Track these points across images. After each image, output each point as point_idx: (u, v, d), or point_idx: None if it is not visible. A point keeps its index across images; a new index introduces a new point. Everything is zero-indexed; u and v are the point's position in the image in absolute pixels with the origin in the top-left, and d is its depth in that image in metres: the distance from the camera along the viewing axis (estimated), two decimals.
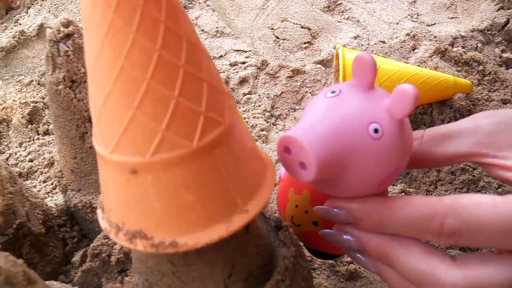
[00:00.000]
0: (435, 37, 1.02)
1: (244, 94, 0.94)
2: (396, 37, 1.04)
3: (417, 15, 1.11)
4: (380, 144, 0.35)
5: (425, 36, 1.02)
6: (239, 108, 0.91)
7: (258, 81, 0.96)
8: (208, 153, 0.29)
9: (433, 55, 0.91)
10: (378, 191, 0.38)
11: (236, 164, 0.31)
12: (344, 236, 0.40)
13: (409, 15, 1.12)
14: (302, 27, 1.11)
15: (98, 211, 0.34)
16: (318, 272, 0.59)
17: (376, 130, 0.35)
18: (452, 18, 1.11)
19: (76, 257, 0.52)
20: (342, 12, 1.16)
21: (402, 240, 0.37)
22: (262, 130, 0.84)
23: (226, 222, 0.31)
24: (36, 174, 0.83)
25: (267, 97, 0.92)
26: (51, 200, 0.74)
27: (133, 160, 0.28)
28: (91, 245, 0.46)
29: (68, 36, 0.47)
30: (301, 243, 0.48)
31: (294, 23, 1.12)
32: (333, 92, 0.37)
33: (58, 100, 0.48)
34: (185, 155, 0.29)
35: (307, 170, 0.34)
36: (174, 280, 0.37)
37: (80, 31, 0.48)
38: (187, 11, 1.19)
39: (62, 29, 0.47)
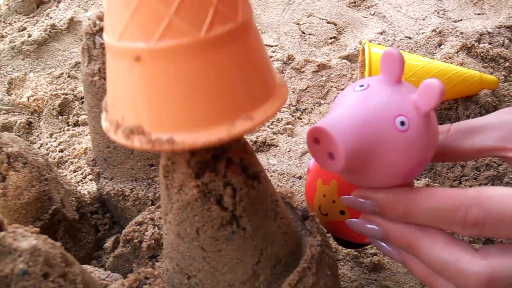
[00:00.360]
0: (462, 33, 1.01)
1: None
2: (422, 33, 1.04)
3: (444, 11, 1.11)
4: (406, 136, 0.36)
5: (451, 32, 1.02)
6: None
7: (284, 75, 0.97)
8: (216, 48, 0.28)
9: (459, 51, 0.91)
10: (404, 182, 0.39)
11: (246, 67, 0.30)
12: (370, 226, 0.41)
13: (435, 11, 1.11)
14: (328, 22, 1.11)
15: (102, 113, 0.33)
16: (342, 263, 0.60)
17: (402, 123, 0.36)
18: (479, 14, 1.11)
19: (108, 243, 0.54)
20: (368, 7, 1.16)
21: (427, 230, 0.38)
22: (288, 124, 0.85)
23: (228, 125, 0.29)
24: (66, 164, 0.85)
25: (293, 91, 0.93)
26: (81, 189, 0.76)
27: (138, 46, 0.28)
28: (123, 231, 0.48)
29: (103, 29, 0.49)
30: (328, 232, 0.50)
31: (320, 18, 1.13)
32: (362, 86, 0.38)
33: (93, 91, 0.50)
34: (191, 45, 0.28)
35: (335, 160, 0.35)
36: (204, 265, 0.38)
37: None
38: None
39: (98, 22, 0.49)
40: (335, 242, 0.51)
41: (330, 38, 1.08)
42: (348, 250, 0.61)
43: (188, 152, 0.34)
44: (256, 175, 0.37)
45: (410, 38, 1.03)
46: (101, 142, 0.53)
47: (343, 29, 1.10)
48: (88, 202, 0.58)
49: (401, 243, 0.39)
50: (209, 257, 0.37)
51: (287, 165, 0.77)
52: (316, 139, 0.36)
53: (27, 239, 0.36)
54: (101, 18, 0.49)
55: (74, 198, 0.55)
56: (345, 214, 0.45)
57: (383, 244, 0.42)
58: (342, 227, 0.45)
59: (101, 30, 0.48)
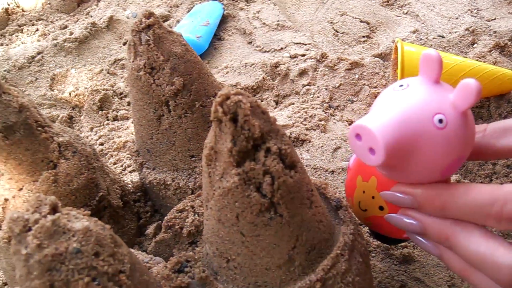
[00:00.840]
0: (495, 32, 1.02)
1: (304, 85, 0.97)
2: (455, 32, 1.04)
3: (477, 10, 1.11)
4: (444, 134, 0.37)
5: (484, 31, 1.02)
6: (298, 98, 0.94)
7: (317, 73, 0.99)
8: None
9: (492, 50, 0.92)
10: (442, 179, 0.41)
11: None
12: (408, 220, 0.43)
13: (469, 10, 1.11)
14: (361, 21, 1.12)
15: None
16: (373, 255, 0.61)
17: (440, 121, 0.37)
18: None
19: (150, 229, 0.57)
20: (401, 6, 1.17)
21: (464, 224, 0.39)
22: (321, 120, 0.87)
23: None
24: (106, 156, 0.88)
25: (326, 89, 0.95)
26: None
27: None
28: (166, 217, 0.51)
29: (149, 26, 0.51)
30: (367, 227, 0.51)
31: (353, 17, 1.14)
32: (401, 85, 0.40)
33: (138, 85, 0.53)
34: None
35: (375, 155, 0.37)
36: (243, 249, 0.40)
37: (160, 22, 0.52)
38: (249, 5, 1.23)
39: (144, 20, 0.51)
40: (372, 236, 0.53)
41: (363, 36, 1.09)
42: (379, 241, 0.62)
43: (231, 141, 0.36)
44: (293, 165, 0.39)
45: (443, 37, 1.03)
46: (145, 134, 0.56)
47: (376, 28, 1.11)
48: (131, 191, 0.60)
49: (438, 237, 0.41)
50: (248, 241, 0.40)
51: (319, 160, 0.79)
52: (358, 135, 0.38)
53: (79, 220, 0.39)
54: (147, 16, 0.51)
55: (118, 187, 0.58)
56: (384, 209, 0.46)
57: (421, 238, 0.43)
58: (381, 223, 0.47)
59: (147, 27, 0.51)
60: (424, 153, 0.38)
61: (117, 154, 0.90)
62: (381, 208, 0.46)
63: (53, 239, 0.37)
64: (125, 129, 0.96)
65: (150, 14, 0.51)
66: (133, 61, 0.53)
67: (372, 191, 0.46)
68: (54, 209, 0.38)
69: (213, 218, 0.41)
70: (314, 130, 0.86)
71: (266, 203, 0.37)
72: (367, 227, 0.52)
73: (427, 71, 0.40)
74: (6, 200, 0.50)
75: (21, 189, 0.49)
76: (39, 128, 0.49)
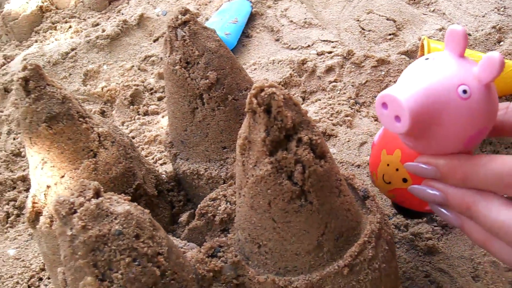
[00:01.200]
0: None
1: (330, 82, 0.98)
2: (482, 30, 1.04)
3: (504, 8, 1.11)
4: (468, 104, 0.39)
5: (511, 29, 1.03)
6: (325, 95, 0.96)
7: (343, 70, 1.00)
8: None
9: None
10: (465, 150, 0.42)
11: None
12: (431, 191, 0.44)
13: (495, 8, 1.11)
14: (387, 19, 1.13)
15: None
16: (398, 246, 0.63)
17: (464, 91, 0.39)
18: None
19: (183, 217, 0.59)
20: (428, 4, 1.17)
21: (485, 194, 0.40)
22: (347, 116, 0.89)
23: None
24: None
25: (352, 85, 0.96)
26: None
27: None
28: (199, 205, 0.53)
29: (185, 23, 0.54)
30: (391, 201, 0.53)
31: (379, 15, 1.15)
32: (427, 59, 0.42)
33: (174, 79, 0.55)
34: None
35: (401, 122, 0.39)
36: (274, 235, 0.42)
37: (195, 19, 0.54)
38: (277, 3, 1.25)
39: (180, 16, 0.54)
40: (395, 210, 0.54)
41: (389, 34, 1.10)
42: (404, 233, 0.64)
43: (264, 131, 0.38)
44: (323, 155, 0.40)
45: (469, 34, 1.03)
46: (179, 125, 0.58)
47: (403, 25, 1.12)
48: (165, 180, 0.63)
49: (460, 207, 0.42)
50: (279, 227, 0.41)
51: (346, 154, 0.81)
52: (384, 104, 0.40)
53: (121, 204, 0.41)
54: (183, 13, 0.54)
55: (153, 176, 0.61)
56: (408, 181, 0.48)
57: (443, 209, 0.45)
58: (404, 195, 0.49)
59: (183, 23, 0.53)
60: (447, 122, 0.39)
61: (148, 147, 0.92)
62: (404, 180, 0.48)
63: (96, 221, 0.39)
64: (155, 124, 0.98)
65: (186, 11, 0.54)
66: (169, 56, 0.55)
67: (396, 163, 0.48)
68: (97, 194, 0.41)
69: (246, 205, 0.43)
70: (340, 125, 0.87)
71: (297, 190, 0.39)
72: (391, 202, 0.54)
73: (453, 46, 0.41)
74: (48, 187, 0.53)
75: (63, 176, 0.52)
76: (80, 119, 0.52)
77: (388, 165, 0.49)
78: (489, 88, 0.40)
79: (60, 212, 0.40)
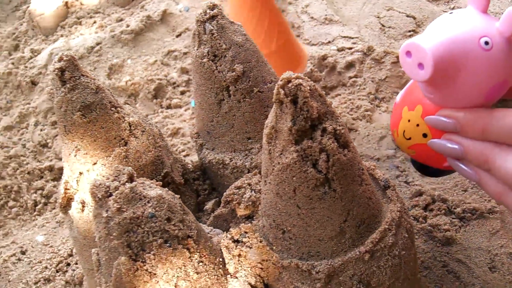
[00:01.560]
0: None
1: (350, 77, 0.99)
2: None
3: None
4: (489, 55, 0.41)
5: None
6: (345, 90, 0.97)
7: (363, 66, 1.01)
8: None
9: None
10: (486, 104, 0.44)
11: None
12: (450, 145, 0.45)
13: None
14: (407, 16, 1.14)
15: None
16: (416, 237, 0.64)
17: (486, 43, 0.41)
18: None
19: (208, 205, 0.61)
20: (448, 1, 1.18)
21: (502, 146, 0.41)
22: (367, 111, 0.90)
23: None
24: None
25: (372, 81, 0.97)
26: None
27: None
28: (224, 193, 0.55)
29: (213, 17, 0.56)
30: (410, 158, 0.55)
31: (399, 12, 1.15)
32: (451, 13, 0.44)
33: (202, 71, 0.57)
34: None
35: (424, 69, 0.41)
36: (298, 221, 0.44)
37: (222, 13, 0.56)
38: (297, 0, 1.26)
39: (208, 11, 0.56)
40: (414, 167, 0.56)
41: (409, 31, 1.11)
42: (422, 224, 0.65)
43: (291, 121, 0.40)
44: (347, 144, 0.42)
45: None
46: (206, 117, 0.60)
47: (422, 22, 1.12)
48: (191, 170, 0.65)
49: (478, 160, 0.43)
50: (303, 213, 0.43)
51: (365, 148, 0.82)
52: (409, 52, 0.42)
53: (153, 189, 0.43)
54: (210, 8, 0.56)
55: (180, 165, 0.63)
56: (428, 136, 0.49)
57: (461, 164, 0.46)
58: (423, 150, 0.50)
59: (211, 18, 0.55)
60: (469, 72, 0.41)
61: (171, 139, 0.95)
62: (424, 135, 0.49)
63: (131, 204, 0.42)
64: (178, 117, 1.00)
65: (214, 6, 0.56)
66: (197, 49, 0.57)
67: (417, 119, 0.49)
68: (131, 178, 0.43)
69: (271, 192, 0.45)
70: (360, 120, 0.89)
71: (321, 178, 0.41)
72: (410, 160, 0.56)
73: (476, 2, 0.43)
74: (80, 173, 0.55)
75: (95, 163, 0.54)
76: (112, 108, 0.54)
77: (409, 121, 0.50)
78: (511, 42, 0.42)
79: (97, 195, 0.42)
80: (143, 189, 0.43)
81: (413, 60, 0.41)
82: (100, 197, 0.42)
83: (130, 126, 0.55)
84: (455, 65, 0.41)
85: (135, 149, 0.55)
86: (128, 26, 1.25)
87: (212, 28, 0.55)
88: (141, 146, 0.56)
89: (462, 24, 0.42)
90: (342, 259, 0.44)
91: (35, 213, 0.90)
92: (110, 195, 0.42)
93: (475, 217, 0.66)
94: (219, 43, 0.56)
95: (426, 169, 0.54)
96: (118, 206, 0.41)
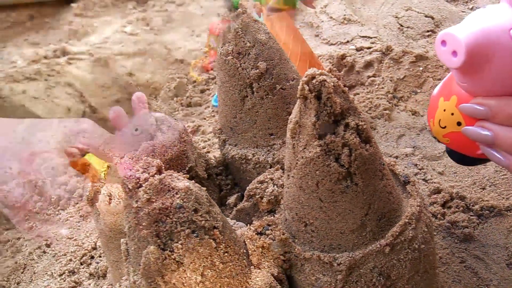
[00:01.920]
0: None
1: (369, 77, 1.00)
2: None
3: None
4: None
5: None
6: (364, 89, 0.98)
7: (382, 65, 1.02)
8: None
9: None
10: None
11: None
12: (482, 131, 0.47)
13: None
14: (426, 16, 1.14)
15: None
16: (435, 233, 0.65)
17: None
18: None
19: (231, 199, 0.62)
20: (466, 2, 1.18)
21: None
22: (385, 110, 0.91)
23: None
24: None
25: (390, 80, 0.98)
26: None
27: None
28: (247, 187, 0.56)
29: (237, 16, 0.57)
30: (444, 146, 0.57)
31: (418, 12, 1.16)
32: (485, 7, 0.46)
33: (226, 69, 0.59)
34: None
35: (457, 56, 0.43)
36: (320, 214, 0.45)
37: (247, 12, 0.58)
38: (316, 0, 1.27)
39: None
40: (449, 156, 0.58)
41: (427, 31, 1.11)
42: (441, 221, 0.66)
43: (314, 116, 0.41)
44: (369, 140, 0.43)
45: None
46: (229, 113, 0.62)
47: (441, 22, 1.13)
48: (214, 165, 0.66)
49: (508, 145, 0.45)
50: (325, 207, 0.44)
51: (384, 146, 0.83)
52: (444, 41, 0.45)
53: (181, 181, 0.45)
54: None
55: (203, 160, 0.65)
56: (462, 124, 0.51)
57: (493, 151, 0.48)
58: (457, 138, 0.52)
59: (235, 16, 0.57)
60: (499, 61, 0.43)
61: (192, 137, 0.96)
62: (458, 123, 0.51)
63: (160, 195, 0.43)
64: (198, 115, 1.02)
65: (238, 5, 0.57)
66: (222, 47, 0.59)
67: (452, 108, 0.51)
68: (159, 171, 0.44)
69: (294, 186, 0.46)
70: (379, 118, 0.89)
71: (343, 172, 0.42)
72: (446, 150, 0.59)
73: None
74: (108, 167, 0.57)
75: (122, 157, 0.56)
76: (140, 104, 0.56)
77: (444, 110, 0.53)
78: None
79: (127, 186, 0.43)
80: (171, 180, 0.44)
81: (447, 48, 0.44)
82: (130, 188, 0.43)
83: (156, 121, 0.57)
84: (486, 53, 0.43)
85: (161, 143, 0.57)
86: (148, 25, 1.26)
87: (237, 26, 0.57)
88: (167, 141, 0.57)
89: (494, 17, 0.44)
90: (363, 251, 0.45)
91: (59, 207, 0.91)
92: (140, 186, 0.43)
93: (493, 215, 0.67)
94: (243, 41, 0.57)
95: (460, 158, 0.56)
96: (148, 197, 0.42)
